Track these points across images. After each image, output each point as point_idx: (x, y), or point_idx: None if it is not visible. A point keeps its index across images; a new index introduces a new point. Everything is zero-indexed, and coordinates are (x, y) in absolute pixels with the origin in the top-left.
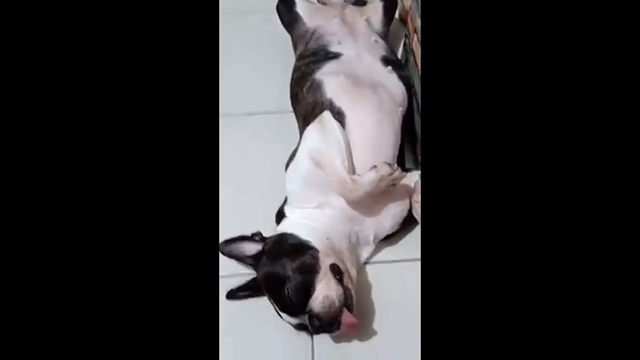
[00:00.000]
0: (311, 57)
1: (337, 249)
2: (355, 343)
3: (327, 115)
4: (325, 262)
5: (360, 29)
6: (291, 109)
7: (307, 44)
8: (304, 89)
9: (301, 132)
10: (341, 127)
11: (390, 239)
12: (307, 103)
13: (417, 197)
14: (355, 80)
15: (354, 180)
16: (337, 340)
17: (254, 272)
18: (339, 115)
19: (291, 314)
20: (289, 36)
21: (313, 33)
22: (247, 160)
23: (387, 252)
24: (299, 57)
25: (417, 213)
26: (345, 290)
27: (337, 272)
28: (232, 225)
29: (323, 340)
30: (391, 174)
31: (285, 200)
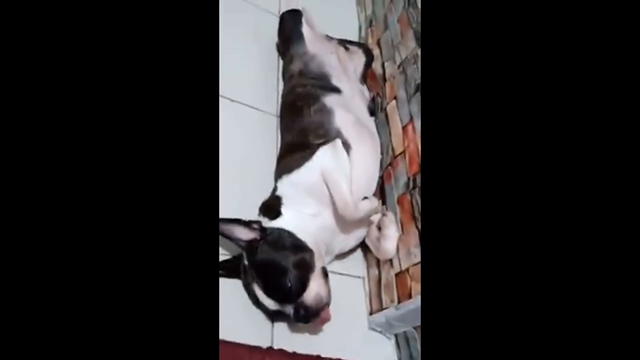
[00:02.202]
0: (316, 80)
1: (321, 249)
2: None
3: (339, 143)
4: (318, 263)
5: (350, 74)
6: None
7: (306, 64)
8: (312, 108)
9: (284, 133)
10: (346, 156)
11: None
12: (312, 121)
13: (382, 233)
14: (360, 123)
15: (355, 205)
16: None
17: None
18: (345, 145)
19: (283, 300)
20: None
21: (313, 57)
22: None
23: (335, 265)
24: (300, 74)
25: (374, 245)
26: (329, 290)
27: (325, 273)
28: None
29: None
30: (377, 206)
31: (276, 197)
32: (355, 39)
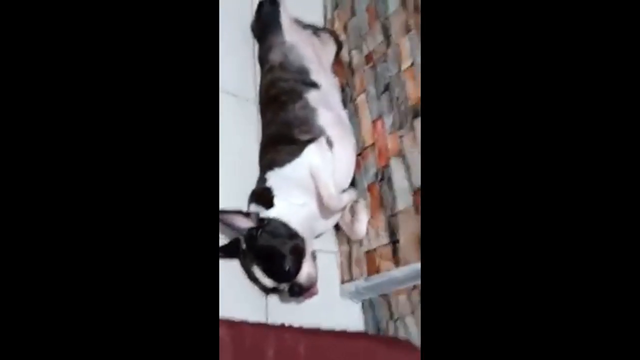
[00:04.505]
0: (297, 74)
1: (310, 238)
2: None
3: (324, 141)
4: (308, 248)
5: (325, 66)
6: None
7: (286, 55)
8: (296, 105)
9: (267, 124)
10: (330, 154)
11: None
12: (297, 116)
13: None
14: (339, 120)
15: (338, 198)
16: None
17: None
18: (327, 142)
19: (280, 280)
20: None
21: (291, 48)
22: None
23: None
24: (281, 67)
25: (347, 227)
26: (317, 270)
27: (314, 256)
28: None
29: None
30: (354, 197)
31: (267, 188)
32: (319, 20)
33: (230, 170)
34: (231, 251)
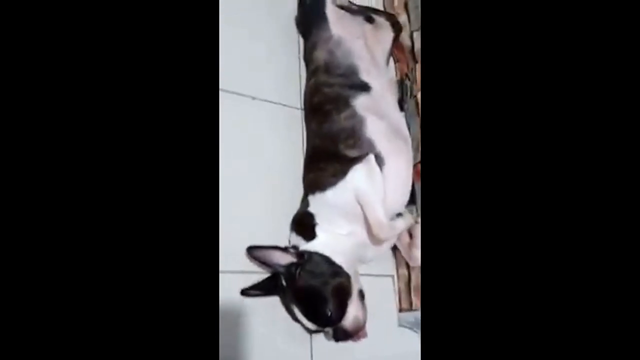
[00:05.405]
0: (343, 78)
1: (356, 269)
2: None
3: (372, 160)
4: (355, 287)
5: (379, 61)
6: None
7: (332, 53)
8: (342, 115)
9: (311, 134)
10: (380, 174)
11: None
12: (342, 128)
13: (413, 241)
14: (392, 129)
15: (390, 226)
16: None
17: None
18: (378, 159)
19: (323, 325)
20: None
21: (338, 43)
22: (252, 144)
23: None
24: (326, 69)
25: (405, 251)
26: (365, 311)
27: (362, 296)
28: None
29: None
30: (411, 221)
31: (309, 214)
32: None
33: (274, 190)
34: (270, 287)
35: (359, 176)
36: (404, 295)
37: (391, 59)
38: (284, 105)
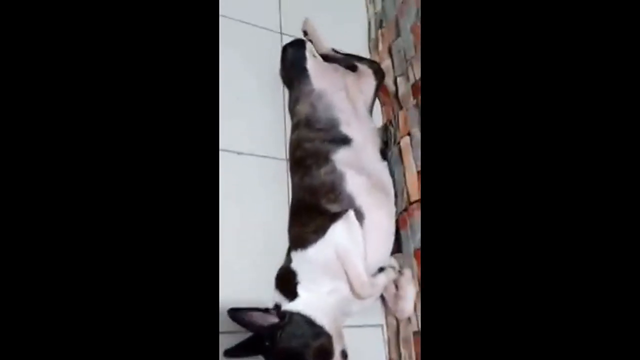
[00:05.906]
0: (324, 132)
1: (339, 327)
2: None
3: (352, 216)
4: (337, 348)
5: (361, 111)
6: (278, 156)
7: (314, 106)
8: (322, 170)
9: (294, 188)
10: (360, 229)
11: None
12: (323, 183)
13: (399, 293)
14: (372, 182)
15: (371, 283)
16: None
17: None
18: (357, 214)
19: None
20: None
21: (320, 96)
22: (238, 198)
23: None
24: (307, 123)
25: (391, 303)
26: None
27: (344, 356)
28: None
29: None
30: (394, 275)
31: (291, 272)
32: (364, 37)
33: (263, 245)
34: (254, 348)
35: (338, 233)
36: (392, 346)
37: (377, 102)
38: (272, 157)
